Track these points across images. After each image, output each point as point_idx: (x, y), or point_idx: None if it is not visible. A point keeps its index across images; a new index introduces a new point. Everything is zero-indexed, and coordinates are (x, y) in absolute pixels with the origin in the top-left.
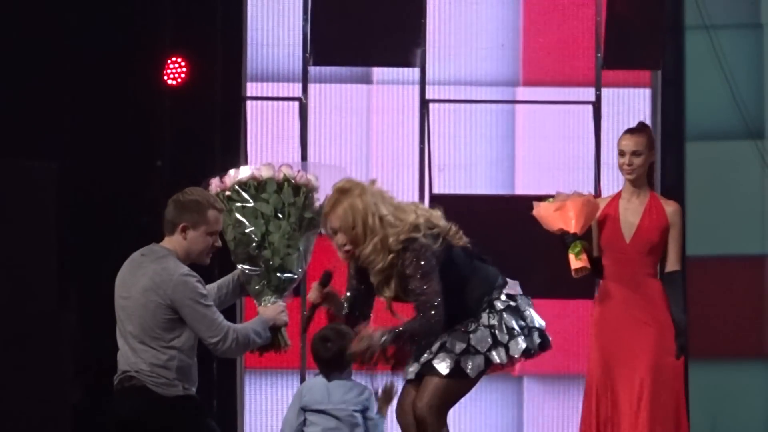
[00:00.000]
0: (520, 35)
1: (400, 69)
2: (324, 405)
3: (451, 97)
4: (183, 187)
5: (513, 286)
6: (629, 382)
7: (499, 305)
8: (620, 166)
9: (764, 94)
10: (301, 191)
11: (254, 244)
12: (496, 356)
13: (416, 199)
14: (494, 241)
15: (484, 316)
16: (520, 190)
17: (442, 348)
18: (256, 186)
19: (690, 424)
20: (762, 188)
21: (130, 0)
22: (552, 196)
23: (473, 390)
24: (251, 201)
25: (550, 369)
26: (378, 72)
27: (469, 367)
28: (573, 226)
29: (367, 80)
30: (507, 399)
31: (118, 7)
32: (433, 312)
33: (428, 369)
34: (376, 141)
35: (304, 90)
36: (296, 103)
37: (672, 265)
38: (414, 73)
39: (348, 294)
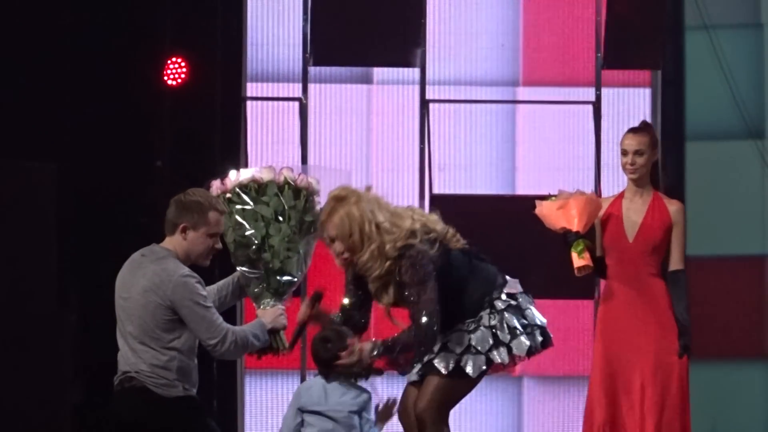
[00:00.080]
0: (520, 35)
1: (401, 69)
2: (321, 406)
3: (451, 97)
4: (183, 188)
5: (513, 285)
6: (632, 381)
7: (499, 305)
8: (623, 166)
9: (764, 94)
10: (302, 194)
11: (254, 247)
12: (498, 356)
13: (416, 199)
14: (494, 242)
15: (485, 316)
16: (521, 190)
17: (443, 348)
18: (257, 188)
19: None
20: (762, 188)
21: (130, 0)
22: (554, 195)
23: (473, 391)
24: (252, 203)
25: (549, 370)
26: (378, 72)
27: (470, 366)
28: (575, 225)
29: (367, 80)
30: (507, 399)
31: (118, 7)
32: (427, 322)
33: (429, 368)
34: (376, 141)
35: (304, 90)
36: (296, 104)
37: (675, 264)
38: (414, 73)
39: (345, 302)
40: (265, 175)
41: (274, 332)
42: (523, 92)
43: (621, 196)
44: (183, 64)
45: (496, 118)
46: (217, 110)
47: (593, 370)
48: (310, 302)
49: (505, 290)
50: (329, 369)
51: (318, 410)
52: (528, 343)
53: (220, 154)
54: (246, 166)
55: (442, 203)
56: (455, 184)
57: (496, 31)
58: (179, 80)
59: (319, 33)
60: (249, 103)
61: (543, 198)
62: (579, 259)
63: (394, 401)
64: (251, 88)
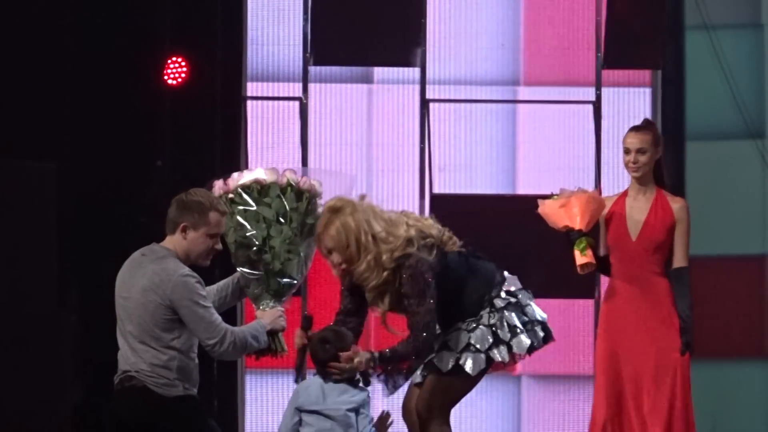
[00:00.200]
0: (520, 35)
1: (401, 69)
2: (319, 405)
3: (452, 97)
4: (183, 187)
5: (512, 281)
6: (635, 382)
7: (499, 303)
8: (626, 164)
9: (764, 94)
10: (304, 197)
11: (255, 248)
12: (498, 354)
13: (417, 199)
14: (495, 241)
15: (485, 315)
16: (521, 189)
17: (444, 346)
18: (259, 190)
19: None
20: (762, 188)
21: (130, 0)
22: (556, 194)
23: (473, 390)
24: (254, 204)
25: (549, 369)
26: (378, 72)
27: (469, 365)
28: (578, 223)
29: (367, 80)
30: (506, 399)
31: (118, 6)
32: (424, 334)
33: (430, 368)
34: (377, 141)
35: (305, 90)
36: (296, 103)
37: (679, 261)
38: (414, 72)
39: (340, 310)
40: (268, 177)
41: (273, 334)
42: (524, 92)
43: (624, 194)
44: (183, 63)
45: (497, 118)
46: (217, 110)
47: (597, 369)
48: (303, 327)
49: (505, 288)
50: (326, 369)
51: (316, 409)
52: (529, 341)
53: (221, 154)
54: (246, 165)
55: (442, 203)
56: (455, 184)
57: (497, 31)
58: (179, 80)
59: (319, 32)
60: (249, 102)
61: (545, 197)
62: (581, 257)
63: (388, 413)
64: (251, 88)
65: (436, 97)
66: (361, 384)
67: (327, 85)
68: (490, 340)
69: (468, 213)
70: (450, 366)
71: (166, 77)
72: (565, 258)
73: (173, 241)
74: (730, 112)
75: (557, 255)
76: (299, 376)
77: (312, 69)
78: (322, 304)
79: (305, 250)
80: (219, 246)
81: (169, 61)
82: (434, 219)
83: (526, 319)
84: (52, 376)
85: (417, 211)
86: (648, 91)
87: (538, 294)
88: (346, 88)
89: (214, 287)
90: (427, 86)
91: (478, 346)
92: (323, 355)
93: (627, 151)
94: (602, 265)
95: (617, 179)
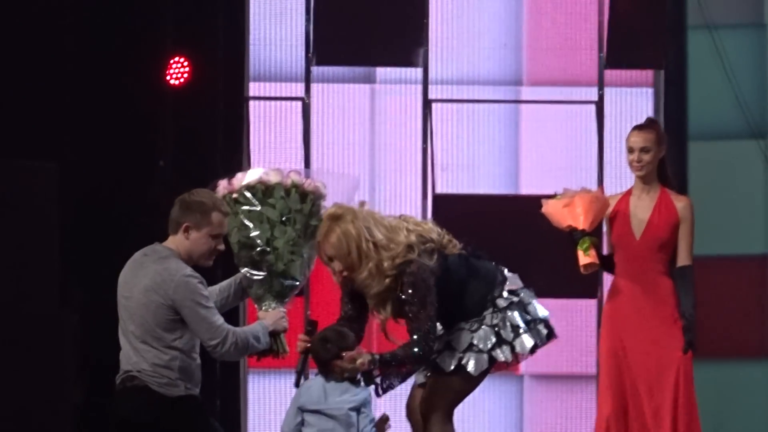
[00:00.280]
0: (522, 35)
1: (403, 69)
2: (320, 405)
3: (454, 97)
4: (185, 188)
5: (514, 280)
6: (639, 379)
7: (502, 303)
8: (629, 163)
9: (767, 94)
10: (309, 198)
11: (258, 249)
12: (501, 355)
13: (419, 199)
14: (498, 241)
15: (488, 315)
16: (523, 189)
17: (446, 346)
18: (264, 190)
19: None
20: (764, 188)
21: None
22: (560, 194)
23: (475, 389)
24: (258, 205)
25: (551, 368)
26: (381, 72)
27: (472, 365)
28: (581, 223)
29: (369, 80)
30: (508, 398)
31: (120, 6)
32: (424, 340)
33: (433, 367)
34: (379, 141)
35: (307, 90)
36: (299, 103)
37: (683, 259)
38: (417, 72)
39: (341, 316)
40: (273, 178)
41: (274, 335)
42: (526, 92)
43: (629, 193)
44: (185, 63)
45: (499, 118)
46: (219, 110)
47: (601, 369)
48: (306, 332)
49: (507, 287)
50: (328, 369)
51: (318, 409)
52: (532, 341)
53: (223, 154)
54: (248, 165)
55: (445, 203)
56: (458, 184)
57: (499, 31)
58: (181, 80)
59: (321, 32)
60: (251, 102)
61: (548, 197)
62: (585, 257)
63: (387, 417)
64: (254, 88)
65: (439, 97)
66: (362, 384)
67: (329, 85)
68: (493, 340)
69: (470, 213)
70: (452, 366)
71: (168, 77)
72: (567, 258)
73: (175, 241)
74: (733, 112)
75: (560, 255)
76: (299, 380)
77: (314, 69)
78: (325, 305)
79: (308, 252)
80: (221, 246)
81: (172, 61)
82: (433, 222)
83: (528, 317)
84: (54, 376)
85: (420, 211)
86: (650, 91)
87: (540, 294)
88: (349, 88)
89: (216, 287)
90: (429, 86)
91: (480, 346)
92: (325, 355)
93: (631, 150)
94: (606, 263)
95: (619, 179)
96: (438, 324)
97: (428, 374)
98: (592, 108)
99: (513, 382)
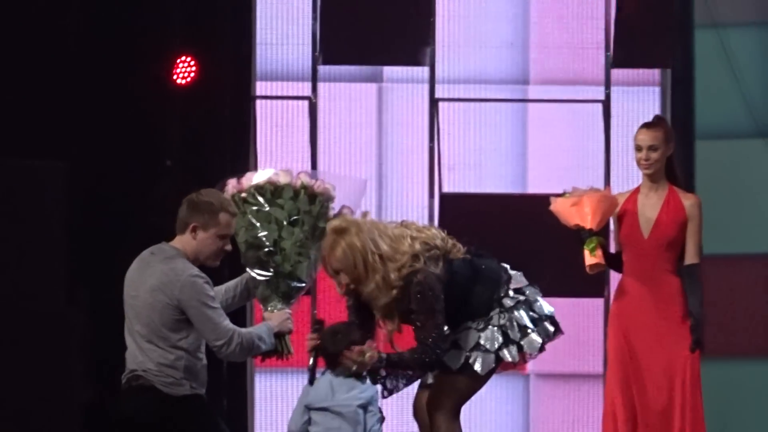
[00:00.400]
0: (529, 33)
1: (410, 68)
2: (327, 402)
3: (461, 96)
4: (192, 187)
5: (518, 279)
6: (646, 377)
7: (508, 302)
8: (637, 161)
9: None
10: (317, 200)
11: (266, 249)
12: (508, 354)
13: (426, 198)
14: (504, 240)
15: (495, 316)
16: (530, 188)
17: (453, 345)
18: (273, 191)
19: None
20: None
21: None
22: (568, 192)
23: (482, 388)
24: (266, 205)
25: (558, 367)
26: (387, 71)
27: (479, 364)
28: (589, 222)
29: (376, 79)
30: (515, 397)
31: (126, 5)
32: (429, 348)
33: (440, 366)
34: (386, 140)
35: (314, 89)
36: (306, 102)
37: (691, 258)
38: (423, 71)
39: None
40: (282, 178)
41: (280, 336)
42: (533, 91)
43: (637, 191)
44: (192, 63)
45: (506, 117)
46: (226, 109)
47: (609, 368)
48: (314, 330)
49: (512, 286)
50: (336, 361)
51: (324, 406)
52: (540, 340)
53: (230, 153)
54: (255, 164)
55: (451, 202)
56: (465, 183)
57: (506, 30)
58: (188, 79)
59: (328, 32)
60: (258, 101)
61: (555, 196)
62: (591, 257)
63: (383, 417)
64: (260, 87)
65: (446, 96)
66: (367, 380)
67: (336, 85)
68: (500, 340)
69: (477, 212)
70: (459, 364)
71: (175, 77)
72: (574, 257)
73: (183, 241)
74: (740, 110)
75: (567, 254)
76: (313, 378)
77: (321, 68)
78: (331, 305)
79: (315, 254)
80: (228, 247)
81: (178, 61)
82: (436, 227)
83: (535, 316)
84: (60, 375)
85: (426, 210)
86: (657, 90)
87: (547, 292)
88: (355, 87)
89: (222, 287)
90: (436, 85)
91: (487, 346)
92: (333, 347)
93: (638, 148)
94: (614, 262)
95: (626, 178)
96: (445, 326)
97: (435, 373)
98: (599, 107)
99: (519, 381)
